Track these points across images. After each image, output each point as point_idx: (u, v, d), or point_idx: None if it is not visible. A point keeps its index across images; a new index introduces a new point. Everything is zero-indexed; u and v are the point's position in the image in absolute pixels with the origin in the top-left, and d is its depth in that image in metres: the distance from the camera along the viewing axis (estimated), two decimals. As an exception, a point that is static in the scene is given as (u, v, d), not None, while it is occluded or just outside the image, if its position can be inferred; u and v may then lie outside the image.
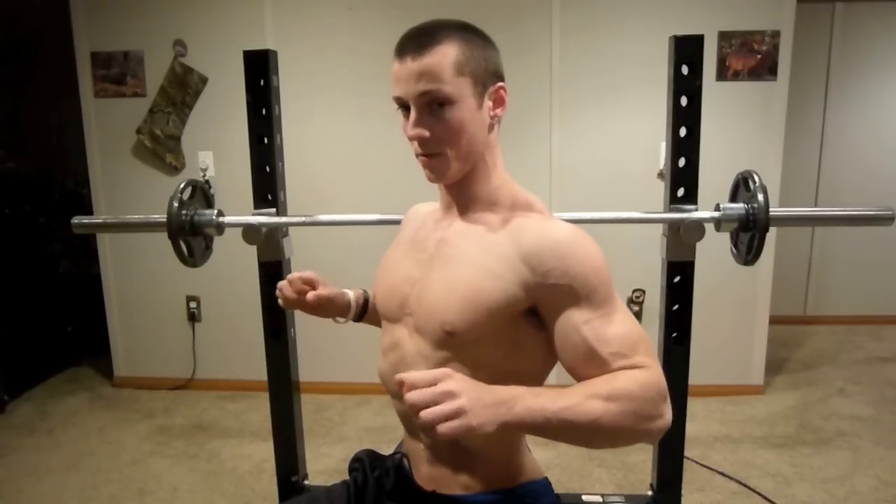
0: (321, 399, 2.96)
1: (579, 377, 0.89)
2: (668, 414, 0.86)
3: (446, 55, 0.89)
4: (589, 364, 0.88)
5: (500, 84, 0.96)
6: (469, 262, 0.93)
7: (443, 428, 0.74)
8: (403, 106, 0.93)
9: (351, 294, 1.21)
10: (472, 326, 0.90)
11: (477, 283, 0.91)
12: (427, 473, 1.02)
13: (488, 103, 0.94)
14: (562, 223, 0.93)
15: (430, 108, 0.90)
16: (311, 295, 1.13)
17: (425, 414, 0.75)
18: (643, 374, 0.86)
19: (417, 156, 0.94)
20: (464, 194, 0.99)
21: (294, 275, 1.15)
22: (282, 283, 1.15)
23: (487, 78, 0.93)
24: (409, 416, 0.98)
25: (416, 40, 0.89)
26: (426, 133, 0.91)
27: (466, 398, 0.76)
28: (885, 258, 3.95)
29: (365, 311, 1.23)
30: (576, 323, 0.88)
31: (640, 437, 0.87)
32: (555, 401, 0.81)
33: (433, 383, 0.76)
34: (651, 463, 1.68)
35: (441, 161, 0.93)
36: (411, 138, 0.92)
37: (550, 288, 0.89)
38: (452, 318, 0.91)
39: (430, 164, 0.94)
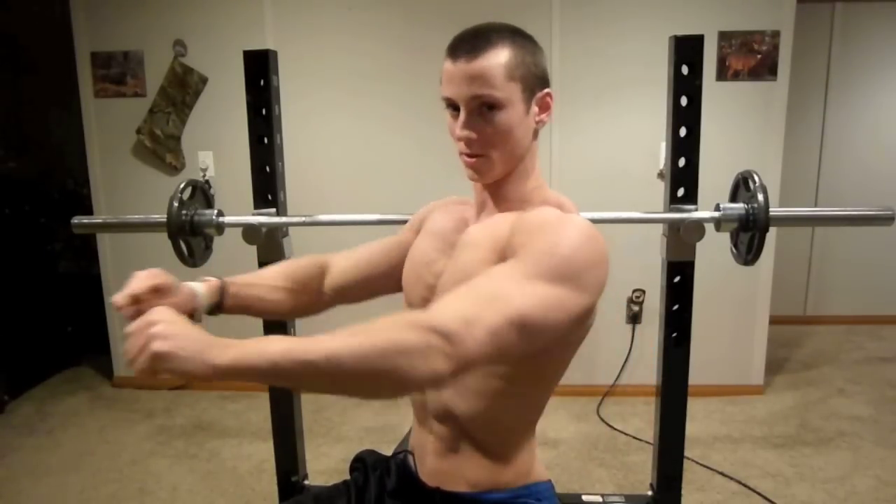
0: (321, 399, 2.96)
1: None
2: (440, 363, 0.72)
3: (499, 60, 0.90)
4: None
5: (548, 90, 0.97)
6: (472, 248, 0.95)
7: (139, 353, 0.69)
8: (452, 106, 0.93)
9: (197, 287, 1.05)
10: None
11: (471, 267, 0.90)
12: (433, 468, 1.01)
13: (535, 109, 0.95)
14: (574, 217, 0.91)
15: (479, 110, 0.91)
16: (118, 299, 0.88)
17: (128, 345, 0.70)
18: (424, 319, 0.74)
19: (461, 154, 0.95)
20: (499, 194, 1.00)
21: (136, 286, 0.90)
22: (119, 301, 0.88)
23: (536, 83, 0.94)
24: (422, 405, 1.01)
25: (471, 42, 0.91)
26: (474, 135, 0.92)
27: (167, 326, 0.70)
28: (885, 258, 3.94)
29: (221, 302, 1.10)
30: (483, 265, 0.88)
31: (398, 377, 0.71)
32: (284, 343, 0.71)
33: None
34: (651, 463, 1.68)
35: (485, 162, 0.94)
36: (460, 139, 0.93)
37: (507, 246, 0.89)
38: None
39: (474, 165, 0.95)
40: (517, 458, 1.00)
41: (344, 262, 1.19)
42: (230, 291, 1.11)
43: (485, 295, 0.78)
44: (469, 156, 0.94)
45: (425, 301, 0.98)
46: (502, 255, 0.89)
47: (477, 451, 0.98)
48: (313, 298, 1.18)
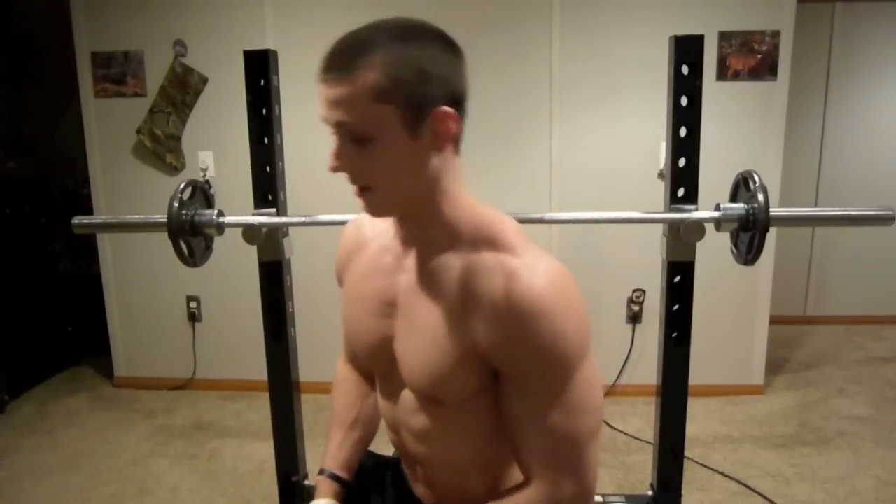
0: (321, 399, 2.93)
1: (513, 445, 0.84)
2: None
3: (366, 80, 0.72)
4: (517, 447, 0.83)
5: (445, 109, 0.76)
6: (429, 338, 0.82)
7: None
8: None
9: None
10: (451, 396, 0.84)
11: (441, 363, 0.81)
12: (425, 493, 1.02)
13: (427, 135, 0.76)
14: (531, 268, 0.77)
15: (349, 138, 0.76)
16: None
17: None
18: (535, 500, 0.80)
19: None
20: (416, 230, 0.86)
21: None
22: None
23: (426, 103, 0.75)
24: (406, 451, 0.99)
25: (336, 60, 0.75)
26: (345, 167, 0.78)
27: None
28: (885, 258, 3.94)
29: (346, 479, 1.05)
30: (522, 407, 0.80)
31: None
32: None
33: None
34: (651, 463, 1.68)
35: (372, 196, 0.80)
36: (329, 169, 0.78)
37: (506, 353, 0.78)
38: (434, 392, 0.85)
39: (362, 199, 0.80)
40: (506, 472, 0.94)
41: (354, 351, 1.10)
42: (345, 472, 1.06)
43: (562, 447, 0.80)
44: (356, 188, 0.80)
45: (392, 369, 0.90)
46: (484, 357, 0.80)
47: (465, 476, 0.95)
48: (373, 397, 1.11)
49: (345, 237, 1.04)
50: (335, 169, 0.78)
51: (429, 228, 0.84)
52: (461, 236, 0.83)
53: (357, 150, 0.76)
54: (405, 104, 0.74)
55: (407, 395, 0.91)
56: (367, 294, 0.93)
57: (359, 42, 0.75)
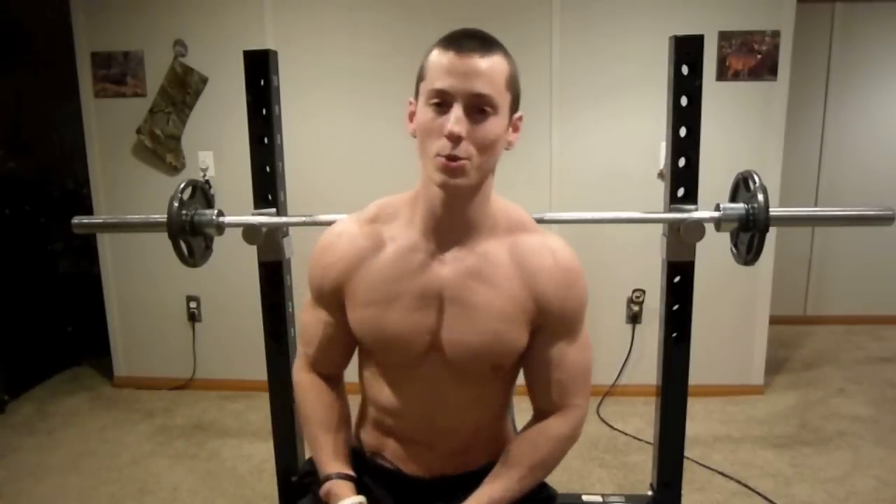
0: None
1: (531, 390, 1.06)
2: (578, 432, 1.07)
3: (503, 66, 0.89)
4: (542, 386, 1.04)
5: (521, 114, 0.97)
6: (495, 312, 0.97)
7: None
8: (442, 101, 0.88)
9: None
10: (510, 358, 1.02)
11: (507, 332, 0.98)
12: (431, 466, 1.08)
13: (510, 128, 0.95)
14: (556, 242, 1.01)
15: (472, 111, 0.87)
16: None
17: None
18: (566, 428, 1.05)
19: (437, 157, 0.88)
20: (466, 217, 0.97)
21: None
22: None
23: (517, 103, 0.95)
24: (419, 431, 1.05)
25: (480, 40, 0.88)
26: (461, 130, 0.86)
27: None
28: (885, 258, 3.94)
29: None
30: (553, 350, 1.02)
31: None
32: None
33: None
34: (651, 463, 1.68)
35: (466, 168, 0.89)
36: (449, 135, 0.86)
37: (547, 319, 1.00)
38: (496, 360, 1.01)
39: (454, 169, 0.88)
40: (506, 429, 1.16)
41: (328, 357, 1.13)
42: (348, 466, 1.09)
43: (578, 378, 1.05)
44: (450, 158, 0.88)
45: (426, 357, 1.01)
46: (536, 318, 1.00)
47: (484, 443, 1.10)
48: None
49: (335, 248, 1.04)
50: (458, 133, 0.86)
51: (476, 216, 0.97)
52: (497, 223, 1.00)
53: (473, 123, 0.88)
54: (513, 97, 0.93)
55: (442, 376, 1.01)
56: (401, 293, 0.99)
57: (489, 36, 0.91)
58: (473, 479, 1.04)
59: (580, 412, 1.06)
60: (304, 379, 1.14)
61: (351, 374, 1.18)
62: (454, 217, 0.96)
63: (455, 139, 0.87)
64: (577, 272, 1.00)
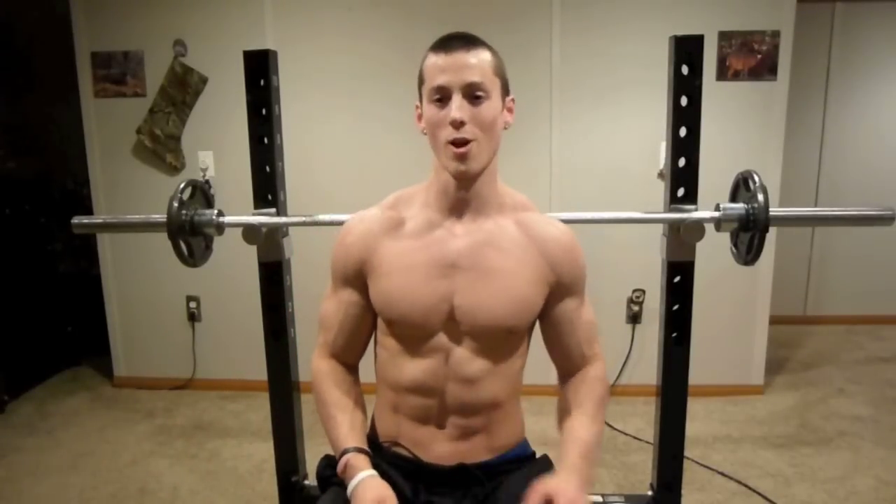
0: (321, 399, 2.96)
1: (556, 352, 1.18)
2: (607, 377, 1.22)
3: (487, 56, 1.02)
4: (567, 345, 1.16)
5: (513, 97, 1.09)
6: (509, 274, 1.07)
7: None
8: (443, 96, 1.00)
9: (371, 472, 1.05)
10: (524, 322, 1.10)
11: (522, 292, 1.08)
12: (450, 451, 1.10)
13: (505, 108, 1.07)
14: (555, 220, 1.15)
15: (469, 98, 1.00)
16: None
17: None
18: (600, 370, 1.19)
19: (447, 145, 1.00)
20: (477, 196, 1.08)
21: None
22: None
23: (507, 87, 1.08)
24: (442, 407, 1.10)
25: (464, 39, 1.02)
26: (463, 115, 0.99)
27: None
28: (885, 258, 3.95)
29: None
30: (568, 310, 1.14)
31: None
32: (586, 455, 1.05)
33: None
34: (651, 463, 1.68)
35: (475, 148, 1.01)
36: (453, 121, 0.99)
37: (560, 281, 1.11)
38: (512, 321, 1.08)
39: (465, 151, 1.00)
40: (518, 413, 1.20)
41: (347, 342, 1.18)
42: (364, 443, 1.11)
43: (593, 330, 1.20)
44: (459, 143, 1.00)
45: (445, 325, 1.07)
46: (549, 280, 1.10)
47: (499, 424, 1.13)
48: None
49: (357, 229, 1.13)
50: (460, 118, 0.99)
51: (486, 195, 1.08)
52: (504, 203, 1.11)
53: (472, 107, 1.00)
54: (502, 82, 1.05)
55: (459, 349, 1.08)
56: (420, 263, 1.08)
57: (471, 35, 1.04)
58: (491, 470, 1.10)
59: (602, 361, 1.20)
60: (322, 365, 1.19)
61: (365, 375, 1.21)
62: (466, 195, 1.07)
63: (458, 124, 0.99)
64: (573, 240, 1.13)
